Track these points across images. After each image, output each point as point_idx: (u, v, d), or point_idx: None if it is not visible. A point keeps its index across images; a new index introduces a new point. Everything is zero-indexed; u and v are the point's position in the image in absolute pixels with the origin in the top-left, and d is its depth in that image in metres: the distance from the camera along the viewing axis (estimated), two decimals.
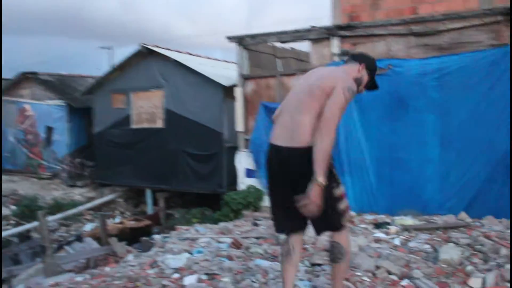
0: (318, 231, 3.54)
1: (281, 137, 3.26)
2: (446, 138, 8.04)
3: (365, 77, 3.62)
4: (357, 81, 3.49)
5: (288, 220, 3.42)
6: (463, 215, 7.45)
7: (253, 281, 4.71)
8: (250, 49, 10.14)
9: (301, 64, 12.14)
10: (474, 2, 8.09)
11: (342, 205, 3.34)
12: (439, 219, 7.32)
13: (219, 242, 6.82)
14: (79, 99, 16.25)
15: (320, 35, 9.03)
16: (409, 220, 7.40)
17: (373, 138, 8.52)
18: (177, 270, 5.21)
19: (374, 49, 8.59)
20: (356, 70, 3.56)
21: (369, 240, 6.18)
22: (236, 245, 6.33)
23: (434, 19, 8.21)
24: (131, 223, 12.29)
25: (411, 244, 6.12)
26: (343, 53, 8.83)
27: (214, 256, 5.86)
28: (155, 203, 13.83)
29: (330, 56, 8.91)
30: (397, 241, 6.30)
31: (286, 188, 3.27)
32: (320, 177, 3.00)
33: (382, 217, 7.88)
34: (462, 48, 8.01)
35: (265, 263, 5.41)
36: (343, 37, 8.85)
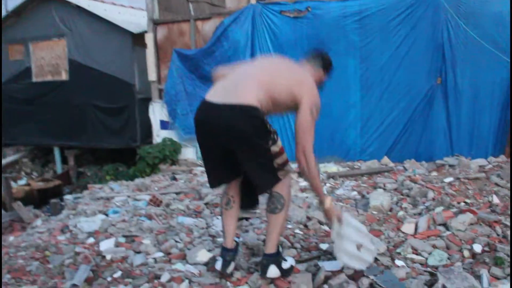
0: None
1: (219, 94, 3.01)
2: (367, 82, 7.93)
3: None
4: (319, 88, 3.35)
5: (223, 170, 3.23)
6: (385, 159, 7.43)
7: (176, 241, 4.34)
8: None
9: (215, 8, 11.52)
10: None
11: (280, 160, 3.12)
12: (362, 165, 7.25)
13: (136, 200, 6.36)
14: None
15: None
16: (333, 167, 7.29)
17: None
18: (91, 234, 4.71)
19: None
20: (320, 76, 3.50)
21: (295, 190, 5.95)
22: (155, 202, 5.89)
23: None
24: (39, 184, 11.40)
25: (338, 192, 6.00)
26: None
27: (131, 216, 5.40)
28: (64, 161, 12.94)
29: (247, 0, 8.42)
30: (323, 190, 6.14)
31: (220, 140, 3.03)
32: (326, 201, 3.23)
33: None
34: None
35: (188, 220, 5.05)
36: None
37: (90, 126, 11.97)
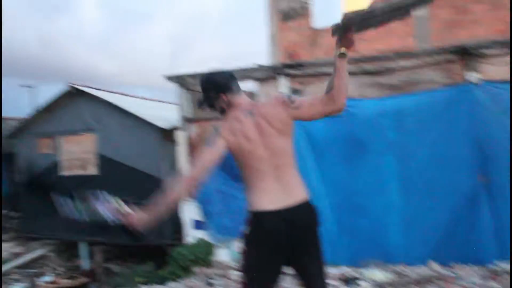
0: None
1: (282, 199, 2.98)
2: (406, 181, 7.66)
3: None
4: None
5: None
6: (433, 264, 7.06)
7: None
8: (191, 89, 9.45)
9: None
10: (410, 41, 7.91)
11: None
12: (409, 271, 6.87)
13: None
14: (1, 143, 14.86)
15: (267, 74, 8.51)
16: (378, 274, 6.91)
17: (330, 183, 8.02)
18: None
19: (325, 88, 8.14)
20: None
21: None
22: None
23: (385, 57, 7.92)
24: (65, 282, 11.12)
25: None
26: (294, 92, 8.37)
27: None
28: (91, 256, 12.68)
29: None
30: None
31: (285, 258, 2.96)
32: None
33: (348, 271, 7.36)
34: (415, 86, 7.75)
35: None
36: (291, 76, 8.38)
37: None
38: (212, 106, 3.21)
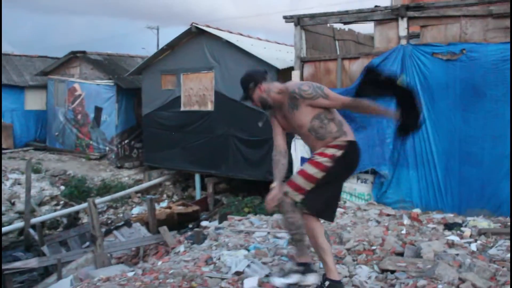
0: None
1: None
2: None
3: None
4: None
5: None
6: None
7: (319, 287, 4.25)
8: (308, 30, 9.55)
9: (360, 47, 11.48)
10: None
11: None
12: None
13: (277, 237, 6.38)
14: (128, 79, 16.01)
15: (386, 16, 8.37)
16: (483, 222, 6.78)
17: (442, 129, 7.87)
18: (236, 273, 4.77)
19: (446, 31, 7.90)
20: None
21: (441, 244, 5.59)
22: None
23: None
24: (179, 208, 11.98)
25: (491, 252, 5.53)
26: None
27: (273, 254, 5.43)
28: (203, 187, 13.51)
29: (397, 39, 8.24)
30: (473, 247, 5.72)
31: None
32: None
33: (451, 217, 7.28)
34: None
35: None
36: (411, 19, 8.16)
37: (231, 156, 12.39)
38: (251, 99, 3.91)
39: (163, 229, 7.27)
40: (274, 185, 3.83)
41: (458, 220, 7.01)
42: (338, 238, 6.11)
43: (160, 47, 15.00)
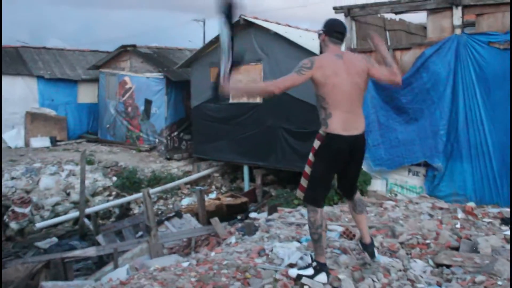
0: (351, 192, 4.36)
1: (352, 128, 3.89)
2: None
3: None
4: None
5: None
6: None
7: (374, 281, 4.24)
8: (358, 21, 9.42)
9: (412, 37, 11.24)
10: None
11: None
12: None
13: (328, 230, 6.37)
14: (177, 72, 16.23)
15: (440, 5, 8.14)
16: None
17: (498, 120, 7.65)
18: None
19: (504, 19, 7.63)
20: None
21: (499, 239, 5.45)
22: (348, 235, 5.84)
23: None
24: (228, 200, 12.13)
25: None
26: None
27: (326, 247, 5.42)
28: (251, 179, 13.60)
29: (451, 29, 8.03)
30: None
31: (341, 168, 4.07)
32: None
33: (508, 211, 7.08)
34: None
35: (384, 259, 4.89)
36: (466, 7, 7.93)
37: (279, 148, 12.41)
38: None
39: (215, 220, 7.38)
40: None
41: None
42: (391, 232, 6.05)
43: (207, 39, 15.12)
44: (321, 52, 4.15)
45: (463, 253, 4.97)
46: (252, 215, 12.01)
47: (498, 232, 5.93)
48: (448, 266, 4.66)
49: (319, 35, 4.14)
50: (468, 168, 7.90)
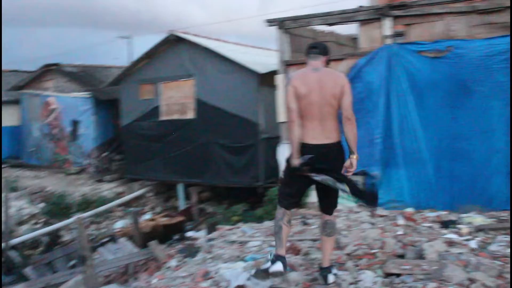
0: (327, 209, 4.50)
1: (318, 137, 4.11)
2: None
3: None
4: None
5: (299, 197, 4.51)
6: None
7: None
8: (291, 33, 9.41)
9: (342, 48, 11.40)
10: None
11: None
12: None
13: (272, 246, 6.20)
14: (105, 90, 15.69)
15: (370, 16, 8.25)
16: (477, 218, 6.70)
17: (431, 127, 7.79)
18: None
19: (431, 29, 7.83)
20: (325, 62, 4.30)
21: (442, 243, 5.47)
22: (293, 250, 5.69)
23: None
24: (164, 220, 11.73)
25: (492, 248, 5.44)
26: (395, 35, 8.11)
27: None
28: (186, 197, 13.25)
29: (381, 39, 8.15)
30: (473, 244, 5.63)
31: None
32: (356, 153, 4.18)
33: (445, 214, 7.20)
34: None
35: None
36: (395, 17, 8.08)
37: (214, 164, 12.18)
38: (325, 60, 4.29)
39: (153, 243, 7.03)
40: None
41: (452, 217, 6.93)
42: (336, 243, 5.96)
43: (133, 56, 14.77)
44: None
45: (410, 260, 4.94)
46: (190, 234, 11.68)
47: (439, 236, 5.98)
48: (397, 275, 4.60)
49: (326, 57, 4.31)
50: (404, 174, 7.99)
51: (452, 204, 7.65)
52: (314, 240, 6.17)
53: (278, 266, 4.20)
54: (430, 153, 7.81)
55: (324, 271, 4.48)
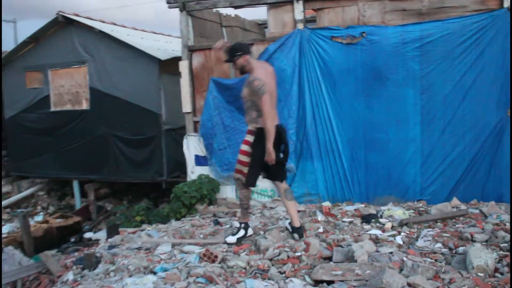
0: (284, 178, 5.43)
1: (277, 120, 5.12)
2: (428, 115, 7.20)
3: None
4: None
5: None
6: (455, 201, 6.67)
7: None
8: (195, 16, 8.73)
9: (247, 34, 10.89)
10: None
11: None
12: (433, 209, 6.44)
13: (184, 252, 5.56)
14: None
15: None
16: (397, 210, 6.50)
17: (345, 116, 7.53)
18: None
19: (344, 14, 7.53)
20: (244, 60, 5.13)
21: (371, 243, 5.11)
22: (209, 257, 5.09)
23: None
24: (58, 221, 10.62)
25: (419, 244, 5.21)
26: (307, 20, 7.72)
27: (186, 276, 4.61)
28: (83, 195, 12.16)
29: (293, 23, 7.72)
30: (399, 240, 5.39)
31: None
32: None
33: (363, 207, 6.95)
34: (444, 14, 7.12)
35: (257, 284, 4.26)
36: (306, 1, 7.68)
37: (112, 159, 11.23)
38: (234, 62, 5.07)
39: (45, 254, 6.11)
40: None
41: (372, 210, 6.69)
42: (254, 246, 5.45)
43: (19, 41, 13.26)
44: (241, 73, 5.21)
45: (340, 264, 4.53)
46: (88, 235, 10.70)
47: (363, 233, 5.67)
48: (328, 282, 4.17)
49: (236, 59, 5.00)
50: (319, 166, 7.67)
51: (368, 195, 7.48)
52: (230, 244, 5.62)
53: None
54: (344, 144, 7.55)
55: (300, 229, 5.40)
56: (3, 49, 13.72)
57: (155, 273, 4.84)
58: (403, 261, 4.46)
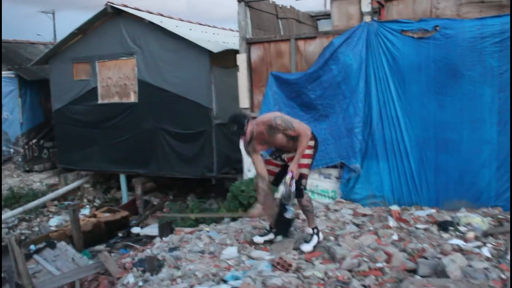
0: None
1: None
2: (506, 115, 6.66)
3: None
4: None
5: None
6: None
7: None
8: (252, 7, 8.39)
9: (301, 26, 10.49)
10: None
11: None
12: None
13: (251, 257, 5.26)
14: (32, 69, 14.00)
15: None
16: (475, 218, 6.05)
17: (415, 115, 7.07)
18: None
19: (415, 6, 7.08)
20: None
21: (462, 257, 4.69)
22: (283, 265, 4.77)
23: None
24: (106, 216, 10.47)
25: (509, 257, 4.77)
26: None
27: (261, 287, 4.30)
28: (129, 188, 12.00)
29: (359, 16, 7.31)
30: (486, 252, 4.97)
31: None
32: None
33: (435, 212, 6.54)
34: None
35: None
36: None
37: (160, 153, 11.02)
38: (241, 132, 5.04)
39: (104, 255, 5.89)
40: (257, 206, 5.34)
41: (446, 216, 6.27)
42: (327, 253, 5.11)
43: (58, 32, 13.17)
44: (249, 142, 5.23)
45: (430, 279, 4.15)
46: (135, 230, 10.54)
47: (440, 241, 5.29)
48: None
49: (242, 133, 5.06)
50: (385, 167, 7.25)
51: (437, 199, 7.02)
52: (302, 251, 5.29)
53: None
54: (412, 144, 7.10)
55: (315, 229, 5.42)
56: (44, 40, 13.66)
57: (225, 281, 4.56)
58: (502, 280, 4.05)
